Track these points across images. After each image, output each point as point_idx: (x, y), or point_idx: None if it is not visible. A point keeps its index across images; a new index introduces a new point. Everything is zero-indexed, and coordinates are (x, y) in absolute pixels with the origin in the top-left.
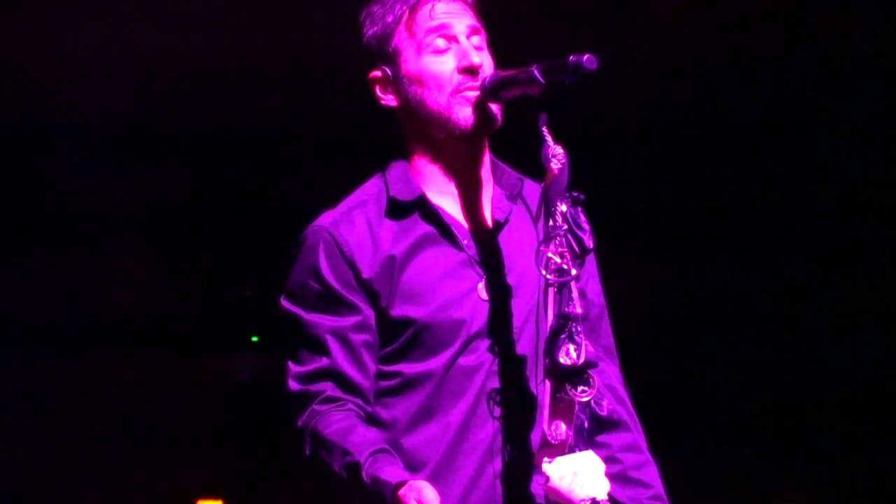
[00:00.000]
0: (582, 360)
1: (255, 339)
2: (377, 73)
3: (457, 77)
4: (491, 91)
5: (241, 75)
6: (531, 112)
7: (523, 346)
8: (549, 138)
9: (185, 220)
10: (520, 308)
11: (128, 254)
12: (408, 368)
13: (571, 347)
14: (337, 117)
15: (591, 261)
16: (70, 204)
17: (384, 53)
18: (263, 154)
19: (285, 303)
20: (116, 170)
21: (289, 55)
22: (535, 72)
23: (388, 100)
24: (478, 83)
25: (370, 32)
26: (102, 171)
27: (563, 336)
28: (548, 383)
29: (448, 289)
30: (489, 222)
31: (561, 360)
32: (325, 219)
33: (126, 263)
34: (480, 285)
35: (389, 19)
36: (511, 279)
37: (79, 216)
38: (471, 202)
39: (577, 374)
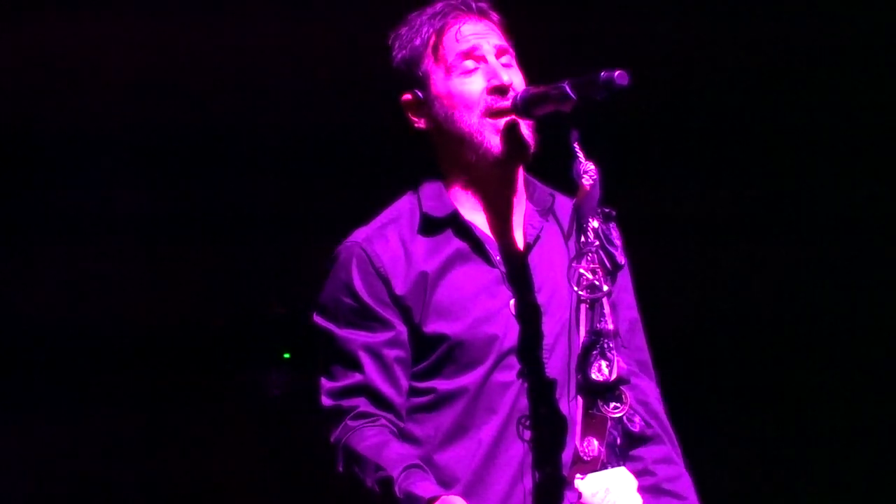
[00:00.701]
0: (614, 376)
1: (286, 355)
2: (408, 97)
3: (486, 97)
4: (523, 108)
5: (272, 92)
6: (563, 128)
7: (555, 364)
8: (580, 154)
9: (217, 236)
10: (551, 326)
11: (161, 271)
12: (441, 385)
13: (603, 363)
14: (369, 134)
15: (624, 274)
16: (98, 218)
17: (414, 77)
18: (299, 171)
19: (318, 318)
20: (148, 183)
21: (313, 70)
22: (567, 88)
23: (421, 123)
24: (508, 102)
25: (399, 56)
26: (132, 185)
27: (595, 352)
28: (580, 399)
29: (481, 305)
30: (521, 239)
31: (593, 377)
32: (359, 235)
33: (158, 281)
34: (512, 302)
35: (417, 42)
36: (542, 297)
37: (109, 230)
38: (503, 219)
39: (610, 391)
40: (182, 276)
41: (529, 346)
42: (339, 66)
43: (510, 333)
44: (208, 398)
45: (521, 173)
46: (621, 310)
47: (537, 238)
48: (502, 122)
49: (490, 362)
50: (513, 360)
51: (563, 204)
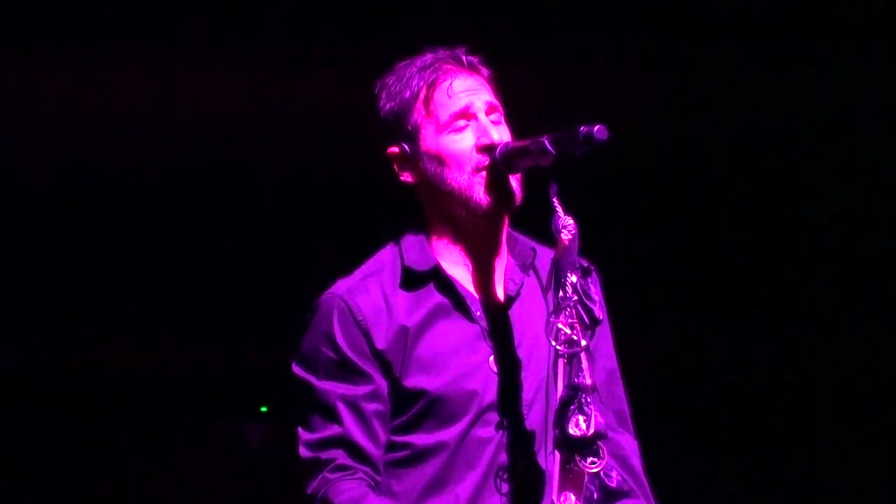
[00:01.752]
0: (591, 431)
1: (264, 409)
2: (395, 150)
3: (475, 155)
4: (503, 162)
5: (261, 143)
6: (542, 182)
7: (533, 419)
8: (559, 209)
9: (198, 288)
10: (531, 381)
11: (139, 321)
12: (419, 440)
13: (581, 418)
14: (350, 184)
15: (603, 324)
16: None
17: (402, 130)
18: (276, 221)
19: (297, 369)
20: (127, 228)
21: (299, 119)
22: (546, 142)
23: (407, 176)
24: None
25: (387, 107)
26: (110, 229)
27: (572, 407)
28: (557, 454)
29: (461, 361)
30: (502, 294)
31: (570, 431)
32: (340, 286)
33: (137, 331)
34: (492, 358)
35: (407, 95)
36: (522, 352)
37: (87, 276)
38: (485, 274)
39: (587, 445)
40: (161, 328)
41: (509, 402)
42: (319, 120)
43: (490, 389)
44: (187, 448)
45: (505, 227)
46: (599, 359)
47: (518, 293)
48: (490, 175)
49: (470, 418)
50: (492, 416)
51: (546, 257)
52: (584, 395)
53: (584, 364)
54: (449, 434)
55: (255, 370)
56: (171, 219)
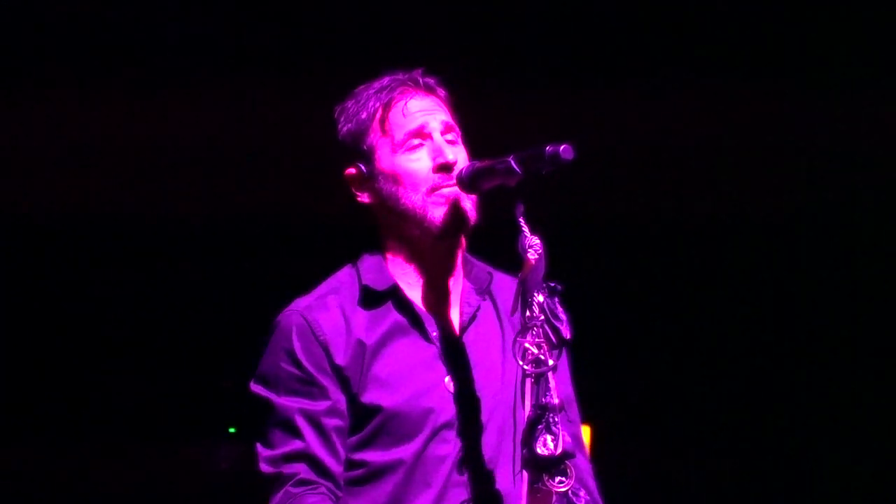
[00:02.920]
0: (559, 450)
1: (232, 430)
2: (352, 171)
3: (432, 176)
4: (469, 182)
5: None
6: (508, 202)
7: (489, 439)
8: (525, 229)
9: (166, 310)
10: (485, 402)
11: (105, 343)
12: (375, 457)
13: (549, 438)
14: (315, 208)
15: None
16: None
17: (359, 151)
18: (245, 246)
19: (256, 387)
20: (89, 253)
21: (268, 148)
22: (512, 162)
23: (364, 197)
24: (453, 180)
25: (345, 129)
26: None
27: (540, 426)
28: (525, 474)
29: (417, 379)
30: (457, 317)
31: (538, 451)
32: (299, 304)
33: (104, 353)
34: (447, 379)
35: (363, 116)
36: (476, 374)
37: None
38: (441, 296)
39: (555, 465)
40: (129, 350)
41: (465, 421)
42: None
43: (446, 408)
44: (155, 471)
45: (460, 250)
46: (556, 385)
47: (473, 317)
48: (445, 197)
49: (425, 435)
50: (448, 434)
51: (501, 282)
52: (551, 415)
53: (552, 384)
54: (405, 452)
55: (223, 391)
56: (136, 243)
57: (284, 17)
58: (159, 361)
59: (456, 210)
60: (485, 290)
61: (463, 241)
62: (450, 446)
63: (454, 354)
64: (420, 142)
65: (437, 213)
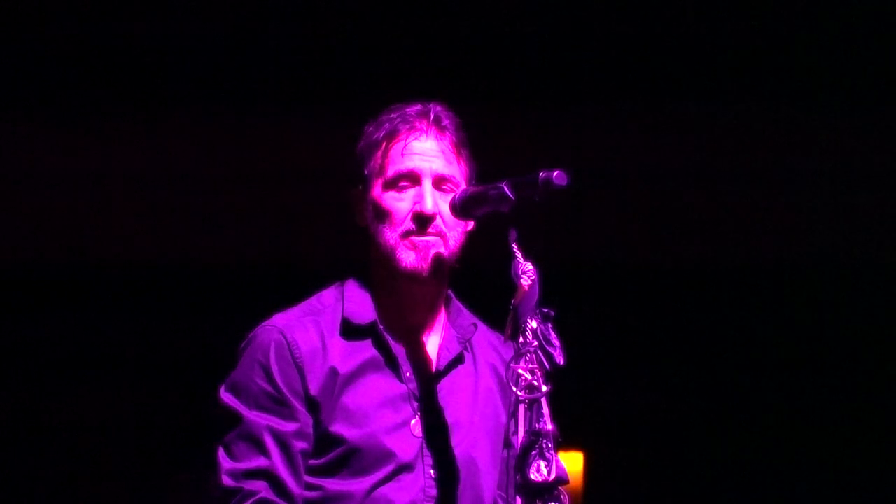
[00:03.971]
0: (553, 476)
1: None
2: (355, 191)
3: (408, 221)
4: (461, 208)
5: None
6: (502, 228)
7: (447, 490)
8: (518, 255)
9: (157, 339)
10: (451, 449)
11: (99, 372)
12: (330, 485)
13: (542, 464)
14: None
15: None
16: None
17: (361, 173)
18: (236, 277)
19: (226, 396)
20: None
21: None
22: (506, 188)
23: (359, 219)
24: (424, 233)
25: (358, 147)
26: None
27: (533, 452)
28: (518, 500)
29: (383, 417)
30: (434, 362)
31: (532, 477)
32: (279, 320)
33: (94, 378)
34: (414, 421)
35: (371, 141)
36: (446, 420)
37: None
38: (420, 337)
39: (549, 491)
40: (122, 379)
41: (425, 465)
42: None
43: (407, 451)
44: (151, 495)
45: (442, 293)
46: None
47: (451, 365)
48: (415, 245)
49: (381, 475)
50: (405, 478)
51: (485, 337)
52: (545, 441)
53: (545, 409)
54: (357, 486)
55: (214, 416)
56: (130, 276)
57: (284, 50)
58: (155, 385)
59: (424, 256)
60: (466, 341)
61: (443, 282)
62: (404, 490)
63: (425, 397)
64: (409, 185)
65: (406, 258)
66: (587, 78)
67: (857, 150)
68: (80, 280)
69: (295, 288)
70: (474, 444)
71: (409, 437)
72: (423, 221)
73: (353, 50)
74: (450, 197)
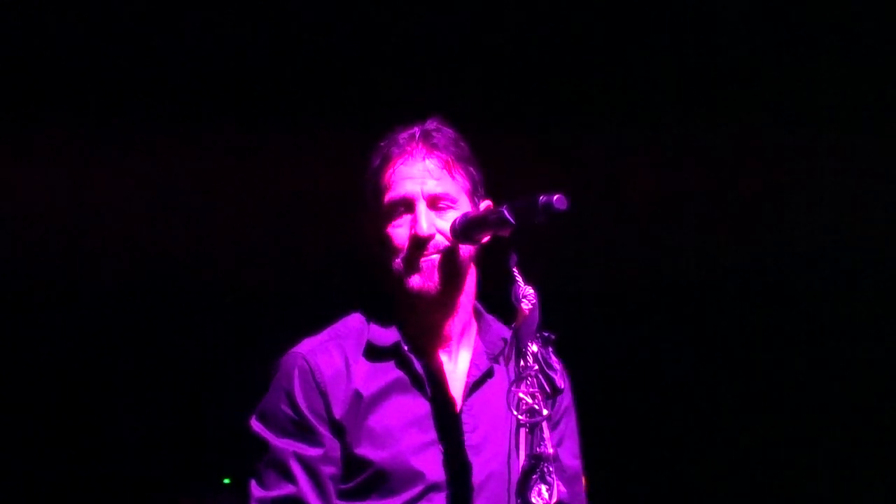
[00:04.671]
0: (554, 500)
1: (227, 480)
2: (363, 222)
3: (407, 248)
4: (462, 233)
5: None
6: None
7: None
8: (519, 278)
9: (158, 360)
10: (481, 466)
11: (100, 394)
12: None
13: (543, 487)
14: (320, 257)
15: (571, 420)
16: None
17: (365, 203)
18: (243, 294)
19: (256, 425)
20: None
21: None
22: (505, 212)
23: (373, 248)
24: (428, 253)
25: (363, 177)
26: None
27: (534, 476)
28: None
29: (410, 438)
30: (463, 378)
31: (533, 501)
32: (303, 346)
33: (96, 408)
34: (441, 440)
35: (369, 171)
36: (476, 437)
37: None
38: (448, 355)
39: None
40: (118, 402)
41: (455, 483)
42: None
43: (437, 470)
44: None
45: (465, 309)
46: (565, 458)
47: (481, 381)
48: (418, 266)
49: (411, 495)
50: (436, 497)
51: None
52: (545, 465)
53: (546, 433)
54: None
55: (217, 442)
56: (132, 292)
57: (283, 64)
58: (149, 415)
59: (431, 276)
60: (498, 355)
61: (470, 300)
62: None
63: (453, 416)
64: (405, 211)
65: (413, 281)
66: (588, 102)
67: (850, 169)
68: (77, 291)
69: (298, 306)
70: (507, 459)
71: (437, 456)
72: (420, 244)
73: (359, 70)
74: (448, 214)
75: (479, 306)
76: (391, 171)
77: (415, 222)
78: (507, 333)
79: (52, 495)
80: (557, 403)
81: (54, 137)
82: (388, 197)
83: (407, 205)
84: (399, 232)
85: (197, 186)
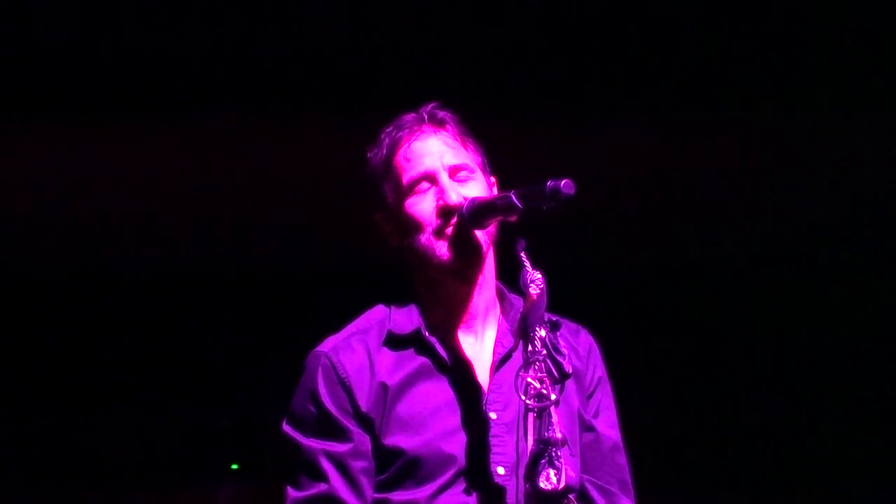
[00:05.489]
0: (562, 485)
1: (235, 466)
2: (378, 215)
3: (435, 219)
4: (469, 218)
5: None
6: (510, 237)
7: (515, 485)
8: (527, 264)
9: (162, 350)
10: (512, 445)
11: (103, 383)
12: (395, 496)
13: (552, 472)
14: (315, 255)
15: (606, 391)
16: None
17: (378, 195)
18: (244, 289)
19: (287, 428)
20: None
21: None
22: (514, 197)
23: (391, 240)
24: (456, 218)
25: (366, 172)
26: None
27: (543, 461)
28: None
29: (439, 422)
30: (489, 358)
31: (541, 486)
32: (327, 344)
33: (102, 398)
34: (471, 422)
35: (376, 161)
36: (508, 416)
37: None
38: (471, 335)
39: (558, 500)
40: (127, 392)
41: (486, 467)
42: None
43: (467, 453)
44: None
45: (490, 286)
46: (603, 429)
47: (506, 357)
48: (450, 232)
49: (444, 480)
50: (468, 481)
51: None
52: (554, 450)
53: (555, 418)
54: (421, 494)
55: (221, 431)
56: (132, 283)
57: (285, 54)
58: (156, 403)
59: (462, 242)
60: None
61: (486, 275)
62: (468, 493)
63: (480, 397)
64: (428, 185)
65: (444, 251)
66: (593, 88)
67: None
68: (83, 286)
69: (305, 296)
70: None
71: (467, 438)
72: (448, 214)
73: (359, 58)
74: (469, 185)
75: (502, 286)
76: (405, 151)
77: (442, 193)
78: None
79: (56, 490)
80: (591, 374)
81: (49, 128)
82: (408, 176)
83: (430, 179)
84: (424, 207)
85: (196, 175)
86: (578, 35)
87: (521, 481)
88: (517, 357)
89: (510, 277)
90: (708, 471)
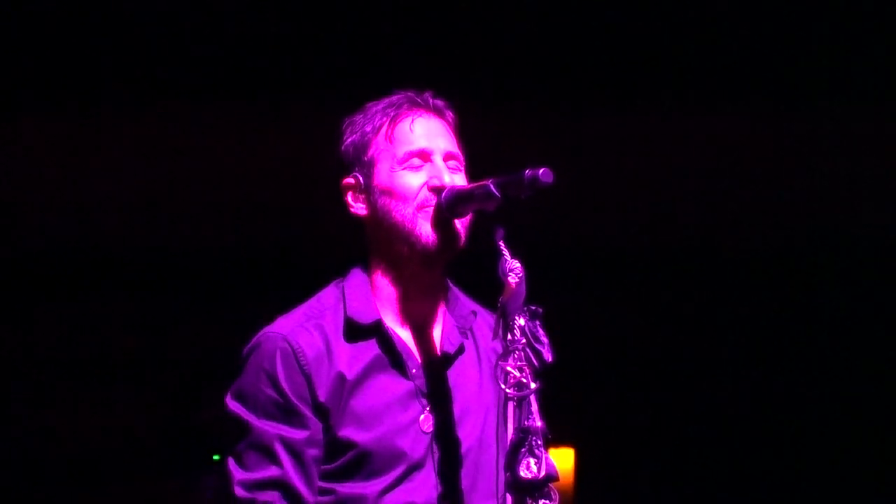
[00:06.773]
0: (543, 473)
1: (216, 457)
2: (350, 181)
3: (424, 193)
4: (447, 207)
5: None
6: (488, 226)
7: (463, 480)
8: (506, 253)
9: (144, 343)
10: (459, 444)
11: (87, 380)
12: (343, 488)
13: (532, 461)
14: (289, 241)
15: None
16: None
17: (360, 161)
18: (222, 279)
19: (233, 405)
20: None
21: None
22: (491, 186)
23: (358, 208)
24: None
25: (349, 140)
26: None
27: (523, 450)
28: (509, 498)
29: (392, 418)
30: (438, 353)
31: (521, 474)
32: (283, 326)
33: (84, 391)
34: (423, 417)
35: (368, 128)
36: (455, 411)
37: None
38: (423, 330)
39: (538, 488)
40: (108, 386)
41: (435, 463)
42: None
43: (418, 448)
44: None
45: (442, 282)
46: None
47: (455, 354)
48: (435, 214)
49: (393, 476)
50: (417, 476)
51: (485, 322)
52: (534, 438)
53: (534, 407)
54: (370, 489)
55: (202, 422)
56: (114, 273)
57: (281, 41)
58: (137, 394)
59: (445, 230)
60: (467, 329)
61: (442, 271)
62: (417, 489)
63: (432, 390)
64: (421, 162)
65: (425, 230)
66: (578, 77)
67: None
68: (73, 275)
69: (281, 282)
70: (485, 432)
71: (418, 434)
72: (440, 193)
73: (349, 45)
74: (458, 176)
75: (448, 281)
76: (406, 124)
77: (436, 173)
78: (474, 306)
79: (41, 482)
80: None
81: (46, 122)
82: (406, 149)
83: (424, 157)
84: (414, 181)
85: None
86: (567, 23)
87: (469, 477)
88: (463, 356)
89: (480, 266)
90: (708, 471)
